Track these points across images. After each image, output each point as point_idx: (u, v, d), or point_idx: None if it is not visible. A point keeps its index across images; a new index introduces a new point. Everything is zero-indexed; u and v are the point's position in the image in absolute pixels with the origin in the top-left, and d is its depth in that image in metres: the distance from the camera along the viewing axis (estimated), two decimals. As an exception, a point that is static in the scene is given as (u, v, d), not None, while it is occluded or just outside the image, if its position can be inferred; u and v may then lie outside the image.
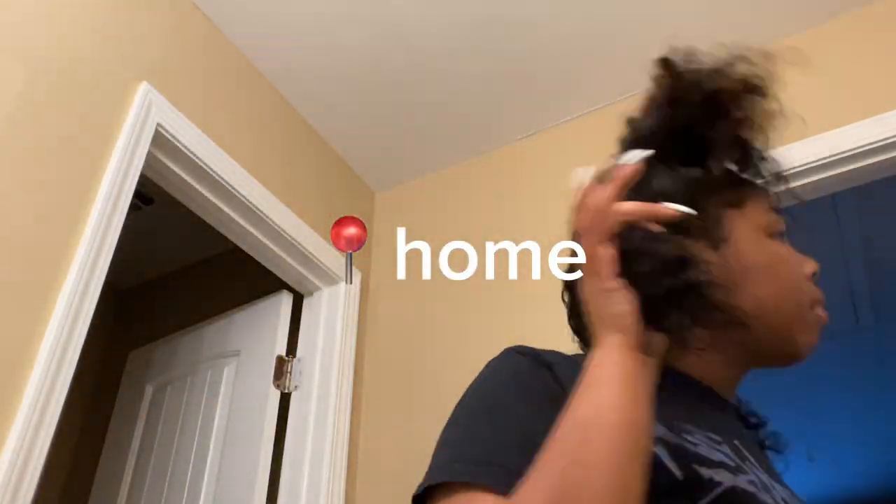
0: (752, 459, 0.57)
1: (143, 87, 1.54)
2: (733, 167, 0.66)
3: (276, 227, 1.87)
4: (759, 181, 0.68)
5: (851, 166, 1.67)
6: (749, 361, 0.65)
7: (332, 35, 1.90)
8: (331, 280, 2.06)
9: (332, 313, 2.03)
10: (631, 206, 0.55)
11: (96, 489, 2.15)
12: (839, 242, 2.79)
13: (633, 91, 1.87)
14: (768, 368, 0.66)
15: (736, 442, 0.58)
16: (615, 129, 0.69)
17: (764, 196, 0.68)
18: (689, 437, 0.53)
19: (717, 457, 0.52)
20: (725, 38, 0.67)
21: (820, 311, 0.65)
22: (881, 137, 1.62)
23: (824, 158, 1.66)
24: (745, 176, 0.67)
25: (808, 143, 1.69)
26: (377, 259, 2.24)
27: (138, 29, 1.60)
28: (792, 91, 2.03)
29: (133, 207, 1.54)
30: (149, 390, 2.24)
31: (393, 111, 2.13)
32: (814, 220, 2.66)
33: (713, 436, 0.56)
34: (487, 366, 0.60)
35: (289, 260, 1.96)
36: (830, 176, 1.69)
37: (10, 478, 1.08)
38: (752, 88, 0.63)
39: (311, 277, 2.03)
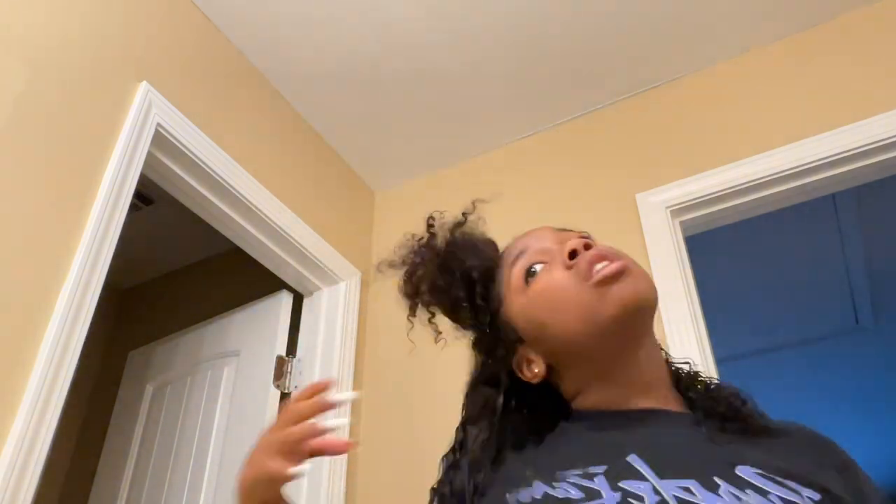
0: (647, 469, 0.56)
1: (143, 87, 1.54)
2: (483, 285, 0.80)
3: (276, 227, 1.87)
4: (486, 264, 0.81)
5: (851, 166, 1.67)
6: (605, 359, 0.67)
7: (332, 35, 1.90)
8: (331, 280, 2.06)
9: (332, 313, 2.03)
10: (297, 430, 0.61)
11: (96, 489, 2.15)
12: (839, 242, 2.79)
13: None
14: (629, 335, 0.67)
15: (630, 458, 0.58)
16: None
17: (499, 265, 0.79)
18: (556, 485, 0.57)
19: (563, 493, 0.56)
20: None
21: (599, 268, 0.65)
22: (880, 138, 1.62)
23: (825, 158, 1.67)
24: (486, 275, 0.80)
25: (808, 144, 1.70)
26: (377, 259, 2.23)
27: (138, 29, 1.60)
28: (793, 91, 2.03)
29: (133, 207, 1.54)
30: (149, 390, 2.24)
31: (393, 111, 2.13)
32: (814, 220, 2.66)
33: (591, 469, 0.58)
34: None
35: (289, 260, 1.96)
36: (830, 176, 1.69)
37: (9, 478, 1.08)
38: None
39: (310, 277, 2.03)
